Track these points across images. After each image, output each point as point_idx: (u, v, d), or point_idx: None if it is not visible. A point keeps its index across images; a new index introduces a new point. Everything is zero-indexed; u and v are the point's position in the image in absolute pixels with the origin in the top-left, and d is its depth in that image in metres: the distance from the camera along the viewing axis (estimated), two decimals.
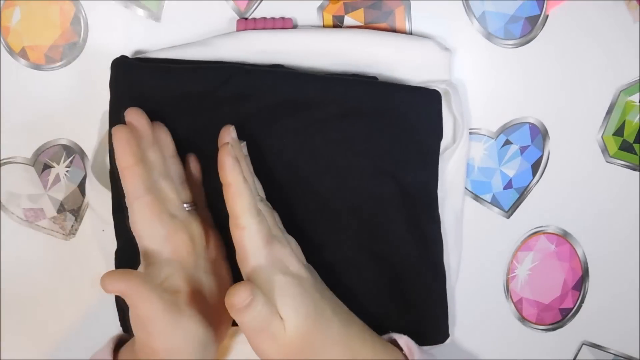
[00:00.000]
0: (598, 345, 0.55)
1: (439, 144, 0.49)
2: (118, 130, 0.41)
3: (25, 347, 0.54)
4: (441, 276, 0.50)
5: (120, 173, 0.41)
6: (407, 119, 0.48)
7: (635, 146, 0.53)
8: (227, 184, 0.40)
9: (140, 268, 0.43)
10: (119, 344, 0.46)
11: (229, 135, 0.43)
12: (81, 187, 0.53)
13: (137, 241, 0.43)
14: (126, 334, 0.48)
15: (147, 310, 0.40)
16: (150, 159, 0.43)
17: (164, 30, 0.51)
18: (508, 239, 0.54)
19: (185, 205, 0.45)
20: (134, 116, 0.43)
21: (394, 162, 0.48)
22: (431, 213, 0.49)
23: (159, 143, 0.45)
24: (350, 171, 0.47)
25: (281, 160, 0.47)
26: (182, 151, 0.47)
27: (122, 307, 0.49)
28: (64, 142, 0.52)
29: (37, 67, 0.51)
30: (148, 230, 0.41)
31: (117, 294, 0.39)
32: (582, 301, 0.55)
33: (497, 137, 0.53)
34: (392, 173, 0.48)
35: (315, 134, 0.47)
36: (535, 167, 0.53)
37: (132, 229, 0.42)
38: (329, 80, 0.47)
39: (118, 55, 0.48)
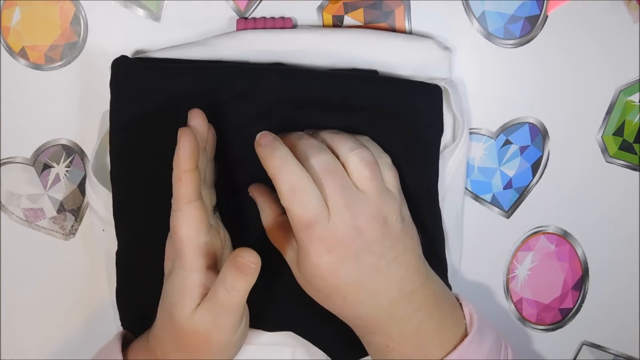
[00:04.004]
0: (598, 345, 0.55)
1: (440, 139, 0.49)
2: (185, 133, 0.41)
3: (25, 347, 0.54)
4: (444, 270, 0.50)
5: (176, 175, 0.41)
6: (407, 113, 0.48)
7: (635, 146, 0.53)
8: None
9: (174, 268, 0.43)
10: (124, 342, 0.46)
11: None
12: (81, 187, 0.53)
13: (177, 244, 0.41)
14: (129, 332, 0.48)
15: (242, 299, 0.41)
16: (201, 164, 0.43)
17: (164, 30, 0.51)
18: (508, 239, 0.54)
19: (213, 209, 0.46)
20: (198, 120, 0.43)
21: (395, 157, 0.48)
22: (432, 207, 0.49)
23: (206, 147, 0.45)
24: None
25: None
26: None
27: (124, 306, 0.49)
28: (64, 142, 0.52)
29: (37, 67, 0.51)
30: (193, 234, 0.41)
31: (247, 273, 0.39)
32: (582, 301, 0.55)
33: (497, 137, 0.53)
34: None
35: (316, 131, 0.47)
36: (535, 167, 0.53)
37: (175, 232, 0.41)
38: (329, 77, 0.47)
39: (118, 55, 0.48)
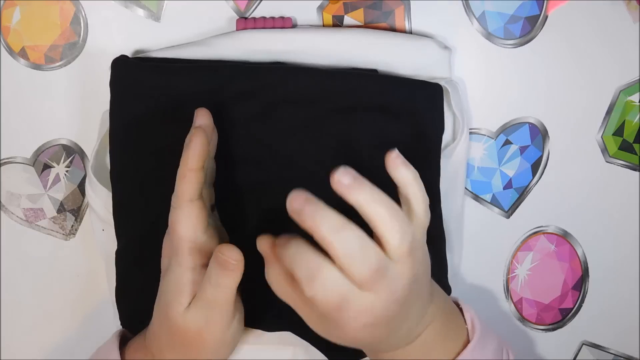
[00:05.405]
0: (598, 345, 0.55)
1: (441, 138, 0.49)
2: (199, 133, 0.41)
3: (25, 347, 0.54)
4: (444, 271, 0.50)
5: (182, 172, 0.41)
6: (409, 112, 0.48)
7: (635, 146, 0.53)
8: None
9: (171, 266, 0.43)
10: (122, 341, 0.46)
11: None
12: (81, 187, 0.53)
13: (174, 241, 0.42)
14: (128, 331, 0.48)
15: (230, 296, 0.41)
16: (205, 164, 0.43)
17: (164, 30, 0.51)
18: (508, 239, 0.54)
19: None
20: (205, 120, 0.43)
21: None
22: (434, 207, 0.49)
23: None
24: (353, 167, 0.47)
25: (284, 157, 0.47)
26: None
27: (124, 305, 0.49)
28: (64, 142, 0.52)
29: (37, 67, 0.51)
30: (191, 232, 0.41)
31: (230, 269, 0.40)
32: (582, 301, 0.55)
33: (497, 137, 0.53)
34: None
35: (318, 130, 0.47)
36: (535, 167, 0.53)
37: (173, 229, 0.42)
38: (330, 75, 0.47)
39: (118, 55, 0.48)
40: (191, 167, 0.41)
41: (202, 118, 0.43)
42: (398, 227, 0.38)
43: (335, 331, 0.40)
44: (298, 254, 0.37)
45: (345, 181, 0.37)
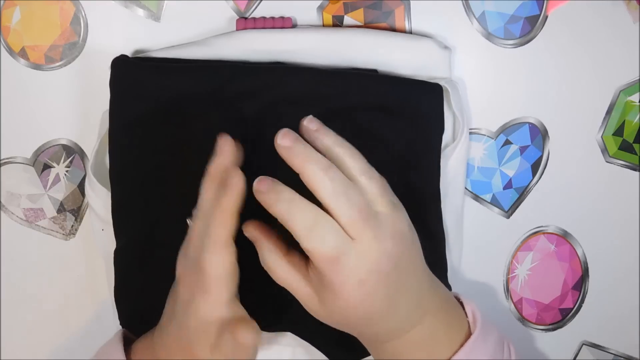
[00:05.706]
0: (598, 345, 0.55)
1: (441, 138, 0.49)
2: (238, 176, 0.40)
3: (25, 347, 0.54)
4: (444, 271, 0.50)
5: (219, 216, 0.40)
6: (408, 112, 0.48)
7: (635, 146, 0.53)
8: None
9: (195, 300, 0.42)
10: (125, 341, 0.46)
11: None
12: (81, 187, 0.53)
13: (205, 281, 0.40)
14: (128, 331, 0.48)
15: (249, 355, 0.41)
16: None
17: (164, 30, 0.51)
18: (508, 239, 0.54)
19: None
20: (231, 156, 0.42)
21: (397, 157, 0.48)
22: (434, 206, 0.49)
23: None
24: None
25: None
26: (184, 152, 0.47)
27: (123, 305, 0.49)
28: (64, 142, 0.52)
29: (37, 67, 0.51)
30: (225, 276, 0.41)
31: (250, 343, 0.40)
32: (582, 301, 0.55)
33: (497, 137, 0.53)
34: (395, 167, 0.48)
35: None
36: (535, 167, 0.53)
37: (206, 271, 0.40)
38: (331, 75, 0.47)
39: (118, 55, 0.48)
40: (230, 211, 0.40)
41: (228, 150, 0.41)
42: (366, 167, 0.40)
43: (333, 302, 0.40)
44: (293, 204, 0.38)
45: (287, 143, 0.39)
